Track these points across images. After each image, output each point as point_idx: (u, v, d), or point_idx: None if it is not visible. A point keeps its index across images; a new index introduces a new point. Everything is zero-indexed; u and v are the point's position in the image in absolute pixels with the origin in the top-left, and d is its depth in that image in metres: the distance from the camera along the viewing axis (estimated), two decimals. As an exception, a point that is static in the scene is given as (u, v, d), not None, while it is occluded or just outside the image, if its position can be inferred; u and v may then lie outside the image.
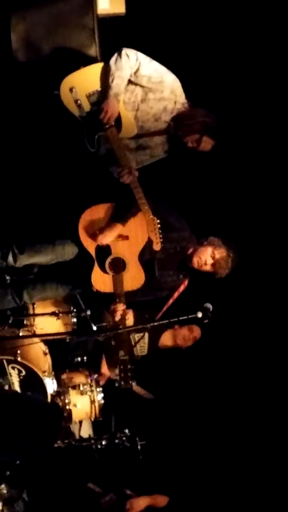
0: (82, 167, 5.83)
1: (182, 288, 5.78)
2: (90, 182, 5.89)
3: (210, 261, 5.58)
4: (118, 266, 5.53)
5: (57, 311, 5.76)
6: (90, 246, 5.54)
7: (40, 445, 4.52)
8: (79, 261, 5.65)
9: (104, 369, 6.08)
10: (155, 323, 5.42)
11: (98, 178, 5.79)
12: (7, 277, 5.79)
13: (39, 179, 6.06)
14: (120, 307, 5.52)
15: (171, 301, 5.81)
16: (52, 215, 5.90)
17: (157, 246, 5.43)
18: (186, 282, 5.81)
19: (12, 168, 6.04)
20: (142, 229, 5.50)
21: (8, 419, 4.42)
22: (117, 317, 5.51)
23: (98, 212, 5.57)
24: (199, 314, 5.25)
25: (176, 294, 5.80)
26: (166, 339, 6.04)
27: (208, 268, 5.61)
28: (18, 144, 5.97)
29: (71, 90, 5.40)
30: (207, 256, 5.58)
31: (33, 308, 5.90)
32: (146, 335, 5.91)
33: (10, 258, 5.64)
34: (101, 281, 5.55)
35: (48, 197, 6.04)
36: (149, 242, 5.49)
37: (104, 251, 5.53)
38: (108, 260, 5.52)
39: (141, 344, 5.92)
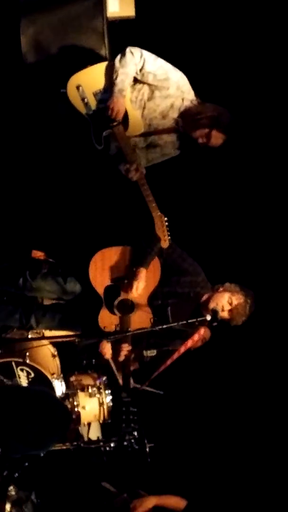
0: (90, 165, 5.85)
1: (196, 337, 5.54)
2: (99, 182, 5.90)
3: (227, 307, 5.41)
4: (126, 307, 5.48)
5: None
6: (99, 286, 5.49)
7: (49, 435, 4.51)
8: (87, 299, 5.60)
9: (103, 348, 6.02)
10: (164, 326, 5.39)
11: (107, 178, 5.81)
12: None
13: (47, 182, 6.10)
14: (125, 347, 5.46)
15: (183, 349, 5.58)
16: (63, 244, 5.92)
17: (165, 244, 5.41)
18: (201, 331, 5.57)
19: (19, 167, 6.07)
20: (154, 272, 5.46)
21: (12, 412, 4.41)
22: (121, 358, 5.47)
23: (110, 254, 5.51)
24: (208, 317, 5.23)
25: (189, 343, 5.56)
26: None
27: (225, 314, 5.42)
28: (25, 144, 6.01)
29: (78, 88, 5.43)
30: (224, 302, 5.41)
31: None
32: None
33: (21, 285, 5.66)
34: (108, 321, 5.47)
35: (56, 205, 6.08)
36: (161, 285, 5.47)
37: (112, 291, 5.48)
38: (117, 301, 5.47)
39: None
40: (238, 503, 5.78)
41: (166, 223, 5.37)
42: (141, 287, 5.41)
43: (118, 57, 5.34)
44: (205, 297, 5.54)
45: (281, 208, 6.29)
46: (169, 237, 5.39)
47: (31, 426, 4.39)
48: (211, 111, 5.41)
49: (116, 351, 5.60)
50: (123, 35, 5.87)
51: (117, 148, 5.58)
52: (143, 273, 5.40)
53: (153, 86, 5.42)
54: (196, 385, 6.41)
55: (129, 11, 5.83)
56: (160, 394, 5.74)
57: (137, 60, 5.32)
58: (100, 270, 5.50)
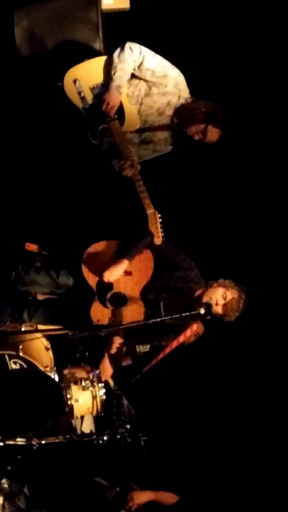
0: (85, 160, 5.84)
1: (189, 332, 5.61)
2: (93, 177, 5.90)
3: (221, 301, 5.39)
4: (119, 300, 5.48)
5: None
6: (92, 280, 5.49)
7: (45, 413, 4.52)
8: (80, 292, 5.60)
9: (104, 368, 6.05)
10: (157, 319, 5.39)
11: (101, 172, 5.80)
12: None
13: (42, 175, 6.09)
14: (117, 340, 5.48)
15: (175, 343, 5.64)
16: (57, 238, 5.92)
17: (158, 240, 5.41)
18: (194, 327, 5.65)
19: (15, 162, 6.06)
20: (147, 266, 5.45)
21: (5, 399, 4.42)
22: (113, 350, 5.49)
23: (103, 248, 5.51)
24: (202, 311, 5.23)
25: (181, 338, 5.63)
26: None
27: (219, 309, 5.41)
28: (21, 138, 5.99)
29: (74, 82, 5.42)
30: (219, 296, 5.39)
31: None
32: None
33: (13, 279, 5.65)
34: (100, 314, 5.49)
35: (51, 199, 6.07)
36: (154, 279, 5.46)
37: (105, 285, 5.47)
38: (109, 294, 5.46)
39: None
40: (233, 498, 5.81)
41: (160, 220, 5.37)
42: (115, 275, 5.36)
43: (117, 52, 5.33)
44: (198, 292, 5.53)
45: (275, 204, 6.29)
46: (163, 234, 5.38)
47: (26, 409, 4.41)
48: (205, 107, 5.42)
49: (108, 344, 5.62)
50: (118, 27, 5.87)
51: (109, 144, 5.58)
52: (122, 263, 5.36)
53: (150, 82, 5.42)
54: (190, 378, 6.43)
55: (124, 4, 5.83)
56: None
57: (136, 57, 5.32)
58: (93, 264, 5.49)
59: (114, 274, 5.37)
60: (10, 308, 5.73)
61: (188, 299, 5.55)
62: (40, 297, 5.86)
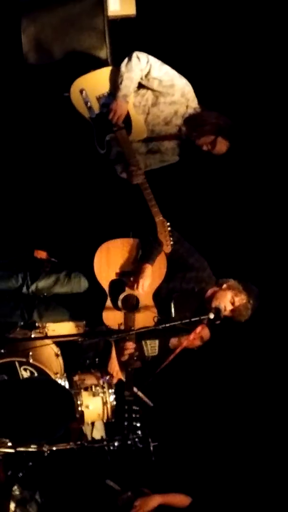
0: (92, 169, 5.86)
1: (192, 336, 5.55)
2: (100, 186, 5.91)
3: (229, 307, 5.42)
4: (131, 303, 5.47)
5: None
6: (104, 281, 5.47)
7: (58, 422, 4.54)
8: (92, 293, 5.58)
9: (112, 368, 6.06)
10: (167, 325, 5.40)
11: (109, 181, 5.81)
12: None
13: (49, 183, 6.10)
14: (130, 346, 5.48)
15: (179, 349, 5.60)
16: (68, 242, 5.92)
17: (167, 249, 5.40)
18: (198, 329, 5.57)
19: (22, 170, 6.07)
20: (160, 267, 5.44)
21: (19, 405, 4.44)
22: (125, 357, 5.49)
23: (115, 247, 5.49)
24: (211, 315, 5.23)
25: (192, 336, 5.60)
26: (177, 339, 6.02)
27: (227, 313, 5.43)
28: (27, 146, 6.00)
29: (81, 92, 5.42)
30: (227, 302, 5.42)
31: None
32: (157, 341, 5.87)
33: (20, 283, 5.65)
34: (112, 317, 5.47)
35: (59, 206, 6.08)
36: (166, 280, 5.46)
37: (117, 287, 5.47)
38: (121, 296, 5.46)
39: (152, 345, 5.90)
40: (241, 501, 5.81)
41: (169, 228, 5.37)
42: (146, 285, 5.39)
43: (125, 61, 5.33)
44: (209, 292, 5.54)
45: (282, 210, 6.30)
46: (172, 243, 5.37)
47: (39, 418, 4.42)
48: (215, 119, 5.42)
49: (119, 349, 5.63)
50: (124, 34, 5.87)
51: (117, 153, 5.59)
52: (149, 270, 5.39)
53: (157, 92, 5.42)
54: (199, 384, 6.43)
55: (130, 10, 5.83)
56: (151, 405, 5.76)
57: (143, 66, 5.31)
58: (105, 264, 5.47)
59: (146, 283, 5.38)
60: (19, 310, 5.71)
61: (199, 299, 5.56)
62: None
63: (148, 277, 5.39)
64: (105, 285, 5.48)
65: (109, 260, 5.48)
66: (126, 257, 5.50)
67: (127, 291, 5.46)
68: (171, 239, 5.38)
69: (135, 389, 5.52)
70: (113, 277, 5.49)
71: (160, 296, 5.54)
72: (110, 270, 5.48)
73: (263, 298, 5.61)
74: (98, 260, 5.47)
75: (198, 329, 5.68)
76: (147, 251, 5.43)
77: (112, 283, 5.48)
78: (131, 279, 5.43)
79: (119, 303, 5.46)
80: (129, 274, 5.47)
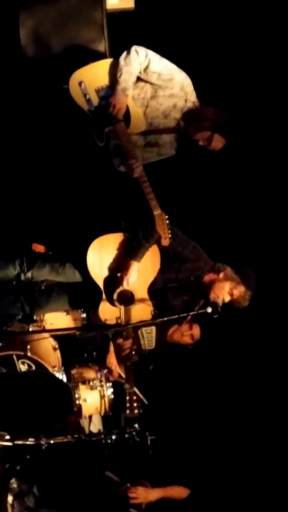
0: (91, 162, 5.85)
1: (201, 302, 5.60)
2: (98, 179, 5.90)
3: (228, 298, 5.46)
4: (126, 298, 5.46)
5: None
6: (98, 278, 5.47)
7: (56, 415, 4.55)
8: (90, 282, 5.56)
9: (110, 362, 6.06)
10: (165, 319, 5.40)
11: (107, 174, 5.80)
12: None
13: (47, 176, 6.09)
14: (127, 344, 5.47)
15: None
16: (64, 232, 5.92)
17: (165, 242, 5.39)
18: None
19: (20, 164, 6.06)
20: (154, 262, 5.45)
21: (17, 398, 4.45)
22: (125, 352, 5.48)
23: (105, 243, 5.48)
24: (209, 309, 5.23)
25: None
26: (171, 333, 6.03)
27: (226, 301, 5.48)
28: (26, 138, 6.00)
29: (80, 84, 5.41)
30: (225, 294, 5.45)
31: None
32: (154, 328, 5.89)
33: (18, 270, 5.65)
34: (109, 311, 5.47)
35: (55, 200, 6.07)
36: (161, 271, 5.47)
37: (112, 282, 5.46)
38: (116, 292, 5.45)
39: (149, 338, 5.91)
40: (239, 493, 5.82)
41: (167, 221, 5.36)
42: (131, 281, 5.39)
43: (123, 55, 5.32)
44: (206, 278, 5.56)
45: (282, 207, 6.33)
46: (170, 235, 5.37)
47: (36, 411, 4.43)
48: (213, 115, 5.42)
49: (117, 344, 5.65)
50: (123, 27, 5.86)
51: (115, 146, 5.59)
52: (134, 266, 5.39)
53: (156, 85, 5.41)
54: (197, 377, 6.44)
55: (129, 3, 5.81)
56: (146, 403, 5.77)
57: (141, 60, 5.31)
58: (98, 261, 5.46)
59: (130, 280, 5.39)
60: (19, 303, 5.69)
61: (196, 286, 5.58)
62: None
63: (133, 274, 5.39)
64: (99, 282, 5.48)
65: (102, 256, 5.47)
66: (119, 252, 5.49)
67: (121, 286, 5.47)
68: (169, 232, 5.38)
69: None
70: (107, 273, 5.48)
71: (157, 287, 5.55)
72: (103, 266, 5.47)
73: (260, 285, 5.63)
74: (91, 257, 5.46)
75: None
76: (134, 247, 5.42)
77: (106, 279, 5.48)
78: (118, 275, 5.44)
79: (115, 299, 5.46)
80: (122, 269, 5.48)
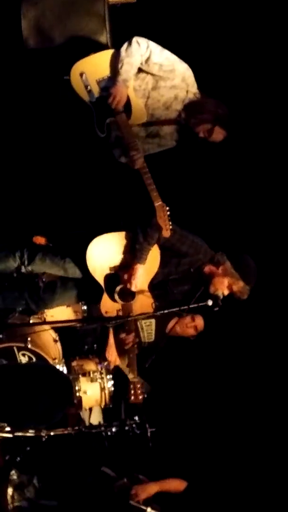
0: (92, 153, 5.85)
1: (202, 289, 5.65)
2: (99, 170, 5.90)
3: (227, 292, 5.50)
4: (127, 294, 5.52)
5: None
6: (99, 276, 5.53)
7: (57, 406, 4.55)
8: (89, 278, 5.61)
9: (110, 354, 6.06)
10: (165, 311, 5.41)
11: (108, 165, 5.80)
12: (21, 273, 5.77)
13: (48, 168, 6.08)
14: (130, 338, 5.56)
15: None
16: (64, 225, 5.96)
17: (166, 233, 5.39)
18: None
19: (21, 155, 6.06)
20: (154, 259, 5.49)
21: (17, 390, 4.44)
22: (128, 346, 5.58)
23: (104, 242, 5.52)
24: (210, 302, 5.24)
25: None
26: (172, 325, 6.03)
27: (225, 294, 5.51)
28: (28, 130, 5.99)
29: (81, 75, 5.41)
30: (224, 288, 5.49)
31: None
32: (153, 321, 5.90)
33: (18, 262, 5.66)
34: (110, 304, 5.53)
35: (57, 192, 6.07)
36: (161, 266, 5.52)
37: (112, 279, 5.52)
38: (117, 289, 5.51)
39: (148, 331, 5.92)
40: (238, 487, 5.83)
41: (168, 213, 5.36)
42: (139, 283, 5.47)
43: (124, 46, 5.33)
44: (206, 270, 5.59)
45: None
46: (171, 227, 5.37)
47: (37, 403, 4.43)
48: (214, 107, 5.43)
49: (118, 337, 5.70)
50: (124, 19, 5.85)
51: (116, 137, 5.58)
52: (140, 269, 5.46)
53: (157, 76, 5.41)
54: (197, 369, 6.44)
55: (130, -5, 5.82)
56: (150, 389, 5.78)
57: (143, 51, 5.30)
58: (98, 260, 5.51)
59: (138, 282, 5.47)
60: (23, 300, 5.73)
61: (196, 276, 5.61)
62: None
63: (140, 277, 5.47)
64: (100, 280, 5.53)
65: (101, 255, 5.51)
66: (119, 250, 5.54)
67: (122, 283, 5.51)
68: (170, 223, 5.38)
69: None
70: (107, 271, 5.53)
71: (156, 279, 5.59)
72: (104, 265, 5.53)
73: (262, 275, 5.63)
74: (91, 255, 5.50)
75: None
76: (137, 250, 5.47)
77: (107, 277, 5.52)
78: (125, 277, 5.50)
79: (116, 296, 5.51)
80: (123, 267, 5.52)
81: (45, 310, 5.88)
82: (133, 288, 5.46)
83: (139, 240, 5.44)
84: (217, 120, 5.42)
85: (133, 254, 5.48)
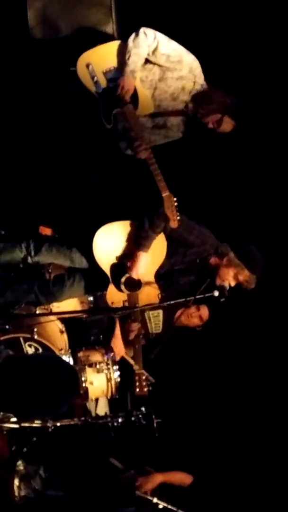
0: (99, 144, 5.84)
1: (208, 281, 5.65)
2: (106, 161, 5.89)
3: (234, 282, 5.53)
4: (133, 284, 5.52)
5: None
6: (105, 265, 5.53)
7: (63, 398, 4.55)
8: (96, 268, 5.62)
9: (115, 345, 6.07)
10: (172, 302, 5.42)
11: (115, 156, 5.80)
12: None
13: (55, 160, 6.08)
14: (135, 326, 5.57)
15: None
16: (71, 216, 5.96)
17: (174, 224, 5.39)
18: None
19: (28, 146, 6.05)
20: (160, 248, 5.50)
21: (25, 383, 4.45)
22: (131, 337, 5.59)
23: (111, 231, 5.53)
24: (216, 293, 5.26)
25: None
26: (178, 316, 6.04)
27: (232, 285, 5.54)
28: (34, 121, 5.98)
29: (87, 66, 5.41)
30: (230, 279, 5.52)
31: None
32: (161, 312, 5.91)
33: (25, 253, 5.66)
34: (116, 295, 5.54)
35: (63, 183, 6.08)
36: (167, 257, 5.53)
37: (119, 268, 5.52)
38: (123, 279, 5.51)
39: (156, 322, 5.93)
40: (244, 481, 5.83)
41: (176, 203, 5.36)
42: (140, 271, 5.47)
43: (132, 37, 5.32)
44: (212, 261, 5.60)
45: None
46: (178, 217, 5.37)
47: (44, 394, 4.43)
48: (223, 97, 5.43)
49: (124, 328, 5.72)
50: (131, 9, 5.83)
51: (122, 129, 5.58)
52: (142, 256, 5.46)
53: (164, 67, 5.40)
54: (204, 361, 6.44)
55: (137, -15, 5.81)
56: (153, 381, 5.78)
57: (150, 42, 5.30)
58: (105, 249, 5.52)
59: (140, 270, 5.47)
60: (33, 293, 5.73)
61: (202, 267, 5.63)
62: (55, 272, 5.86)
63: (141, 263, 5.46)
64: (106, 269, 5.53)
65: (108, 244, 5.52)
66: (125, 239, 5.55)
67: (129, 273, 5.50)
68: (178, 214, 5.37)
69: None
70: (114, 260, 5.54)
71: (162, 270, 5.60)
72: (110, 253, 5.54)
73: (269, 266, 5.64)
74: (97, 244, 5.51)
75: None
76: (141, 238, 5.47)
77: (113, 266, 5.53)
78: (128, 264, 5.50)
79: (122, 286, 5.51)
80: (129, 257, 5.52)
81: (53, 302, 5.89)
82: (134, 276, 5.46)
83: (144, 227, 5.44)
84: (226, 110, 5.42)
85: (137, 242, 5.47)
